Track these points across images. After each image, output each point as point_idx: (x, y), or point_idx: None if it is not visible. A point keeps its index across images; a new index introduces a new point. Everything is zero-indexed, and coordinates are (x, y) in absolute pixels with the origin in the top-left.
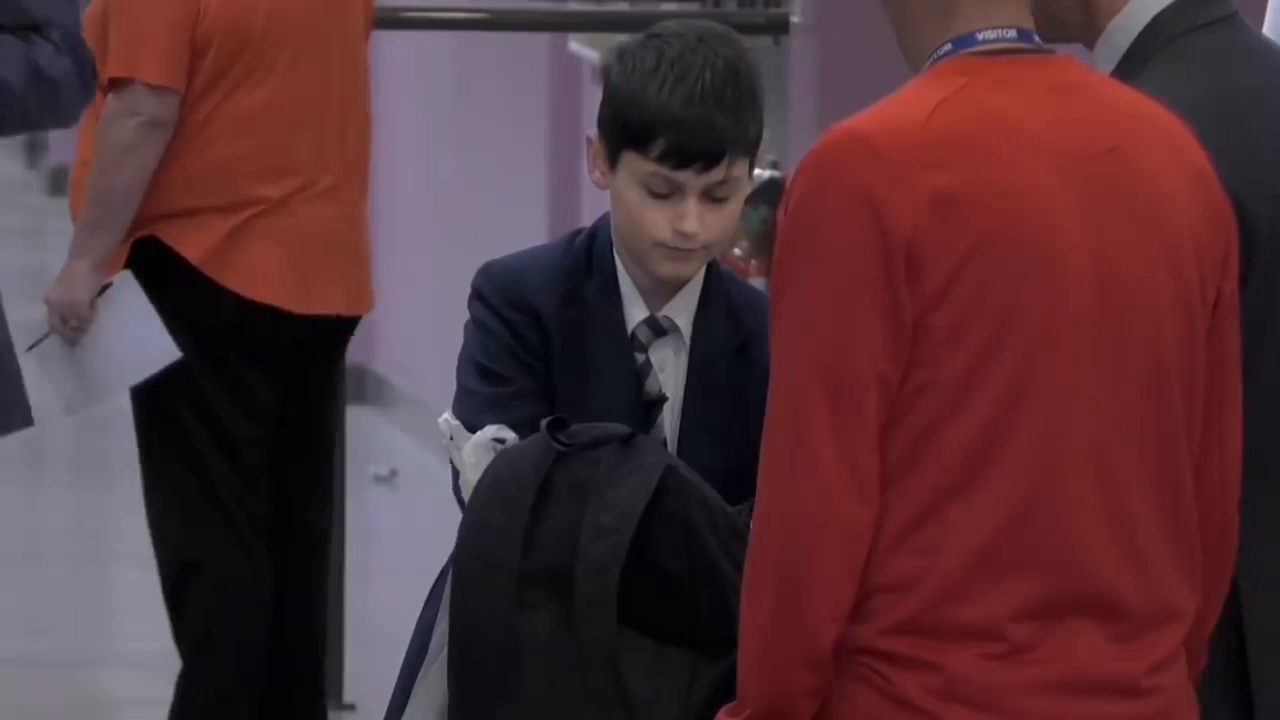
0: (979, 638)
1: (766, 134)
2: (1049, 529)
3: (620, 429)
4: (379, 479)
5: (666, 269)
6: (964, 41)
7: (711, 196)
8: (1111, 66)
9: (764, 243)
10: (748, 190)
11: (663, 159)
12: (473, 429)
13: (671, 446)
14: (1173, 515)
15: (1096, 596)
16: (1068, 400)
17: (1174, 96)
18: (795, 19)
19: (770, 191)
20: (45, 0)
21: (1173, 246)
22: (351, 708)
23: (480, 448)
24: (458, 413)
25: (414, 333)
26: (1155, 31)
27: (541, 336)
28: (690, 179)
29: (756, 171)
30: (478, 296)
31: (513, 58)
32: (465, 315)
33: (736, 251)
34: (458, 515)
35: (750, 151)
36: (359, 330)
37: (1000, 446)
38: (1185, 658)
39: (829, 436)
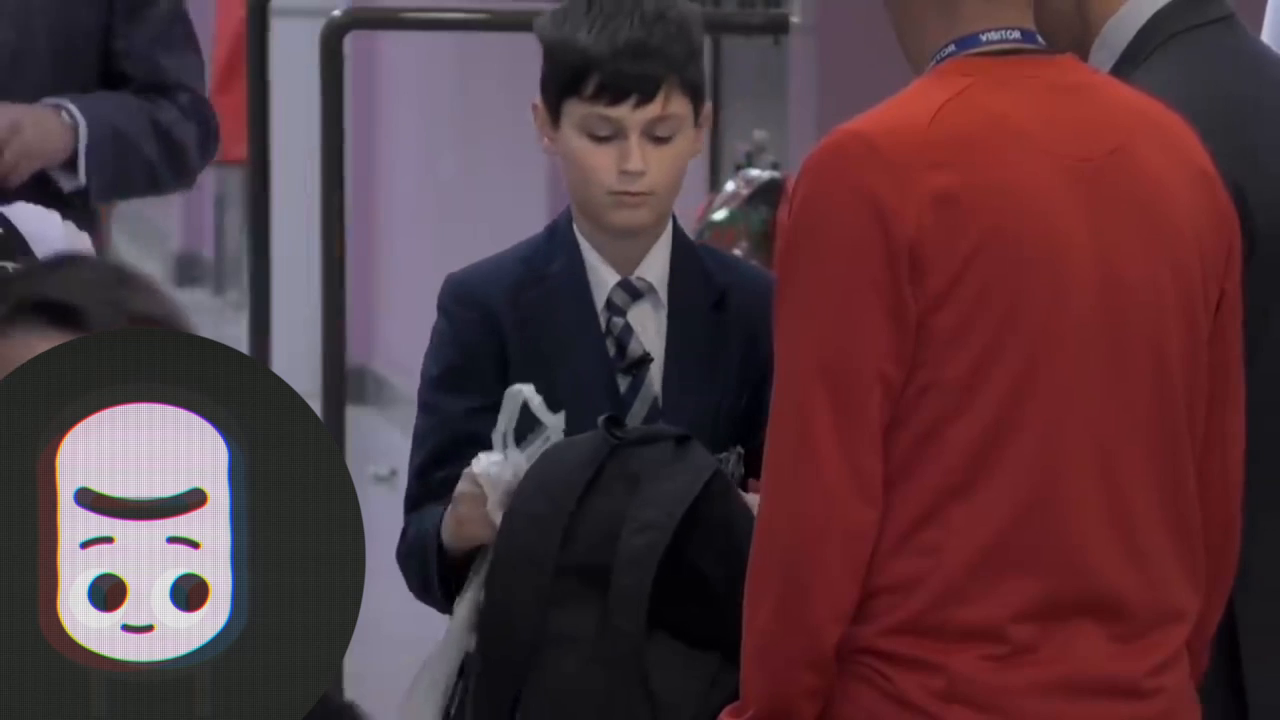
0: (981, 639)
1: (766, 134)
2: (1051, 529)
3: (673, 430)
4: (379, 479)
5: (619, 218)
6: (968, 42)
7: (654, 136)
8: (1109, 67)
9: (764, 243)
10: (695, 138)
11: (598, 95)
12: (423, 468)
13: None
14: (1176, 515)
15: (1098, 597)
16: (1070, 400)
17: (1168, 96)
18: (795, 19)
19: (770, 192)
20: (180, 63)
21: (1175, 246)
22: None
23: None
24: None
25: (414, 333)
26: (1152, 30)
27: (489, 332)
28: (628, 114)
29: (755, 171)
30: (438, 305)
31: (513, 58)
32: None
33: (736, 252)
34: None
35: (688, 90)
36: (359, 329)
37: (1003, 447)
38: (1187, 658)
39: (832, 436)
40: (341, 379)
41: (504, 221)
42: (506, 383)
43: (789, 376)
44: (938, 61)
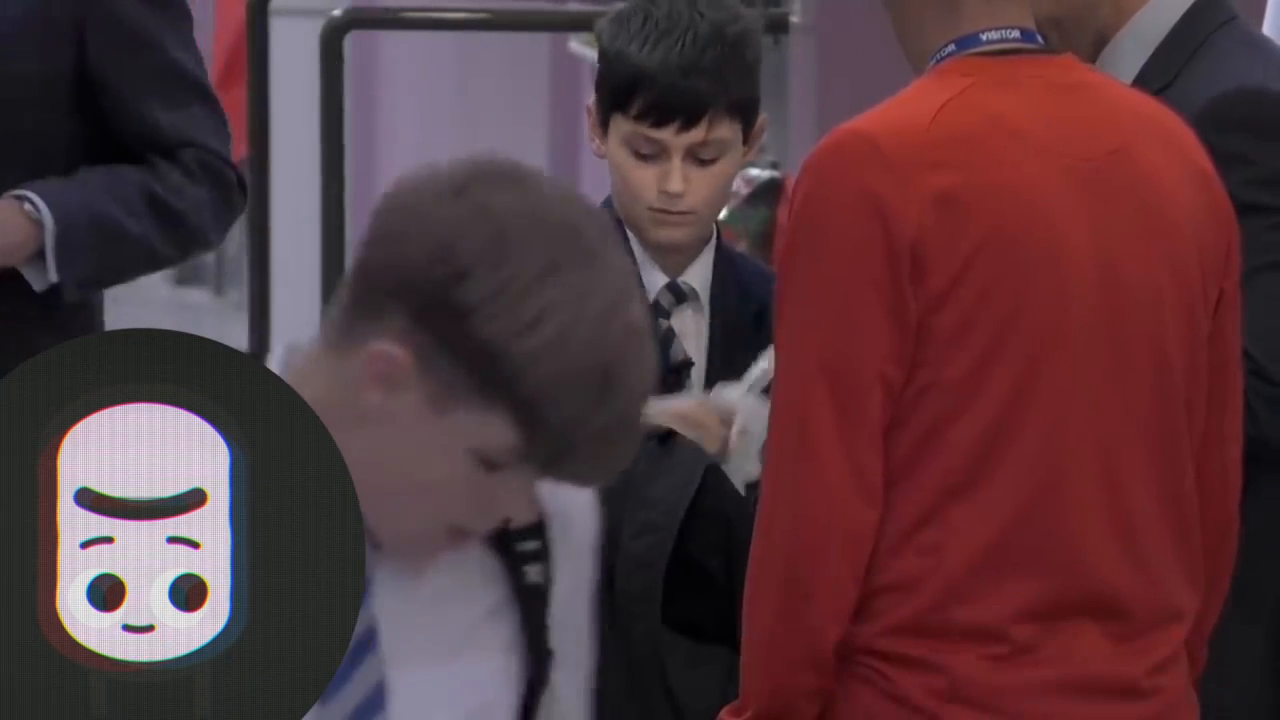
0: (982, 638)
1: (766, 134)
2: (1053, 529)
3: (657, 428)
4: None
5: (658, 234)
6: (968, 42)
7: (697, 158)
8: (1143, 55)
9: (764, 243)
10: (740, 155)
11: (641, 117)
12: None
13: None
14: (1176, 514)
15: (1099, 597)
16: (1071, 400)
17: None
18: (795, 19)
19: (770, 192)
20: (182, 117)
21: (1175, 246)
22: None
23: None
24: None
25: None
26: (1198, 16)
27: None
28: (671, 137)
29: (755, 171)
30: None
31: (513, 58)
32: None
33: None
34: None
35: (738, 114)
36: None
37: (1004, 447)
38: (1186, 658)
39: (833, 436)
40: None
41: None
42: None
43: (790, 376)
44: (938, 61)
